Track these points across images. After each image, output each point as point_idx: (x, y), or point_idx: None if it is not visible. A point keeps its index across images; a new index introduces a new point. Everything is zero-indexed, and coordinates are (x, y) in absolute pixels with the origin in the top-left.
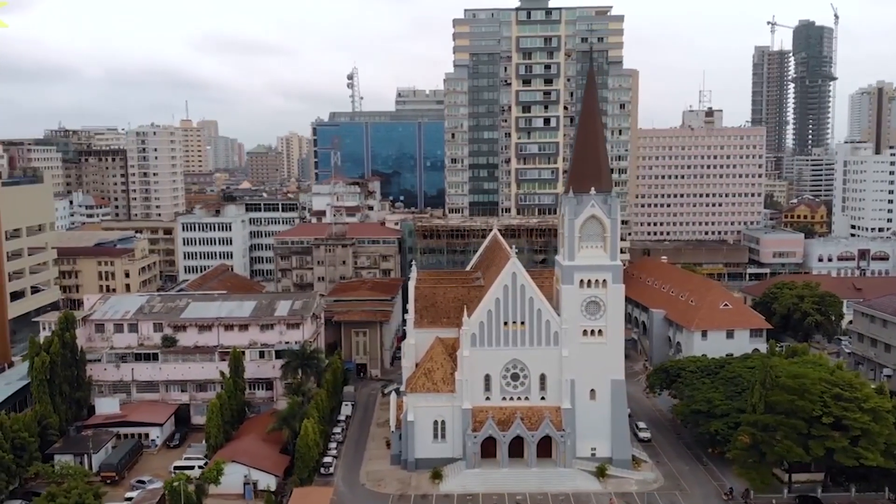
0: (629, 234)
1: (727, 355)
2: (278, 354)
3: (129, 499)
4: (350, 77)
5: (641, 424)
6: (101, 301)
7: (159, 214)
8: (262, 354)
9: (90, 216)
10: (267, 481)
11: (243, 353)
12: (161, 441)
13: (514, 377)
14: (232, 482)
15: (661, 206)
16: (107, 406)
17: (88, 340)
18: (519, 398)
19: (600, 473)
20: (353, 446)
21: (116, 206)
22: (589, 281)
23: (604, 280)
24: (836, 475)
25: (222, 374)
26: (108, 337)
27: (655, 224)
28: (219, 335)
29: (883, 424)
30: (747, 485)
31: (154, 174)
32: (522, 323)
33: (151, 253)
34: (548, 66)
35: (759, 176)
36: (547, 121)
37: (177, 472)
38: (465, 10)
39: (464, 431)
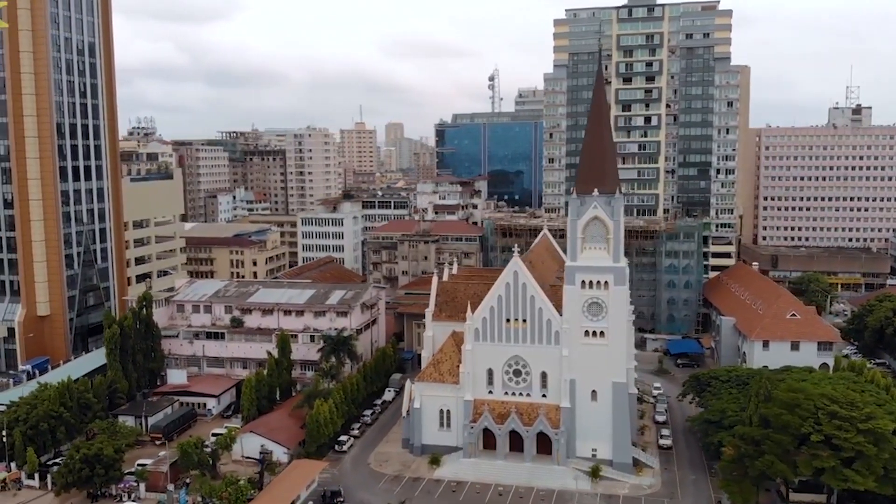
0: (738, 237)
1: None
2: (324, 339)
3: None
4: (491, 79)
5: (665, 432)
6: (186, 284)
7: (313, 210)
8: (312, 338)
9: (250, 210)
10: (280, 452)
11: (296, 336)
12: (217, 411)
13: (517, 373)
14: (251, 450)
15: (798, 209)
16: (176, 377)
17: (170, 318)
18: (520, 394)
19: (593, 474)
20: (378, 429)
21: (276, 202)
22: (591, 282)
23: (605, 281)
24: (846, 499)
25: (269, 353)
26: (188, 316)
27: (790, 229)
28: (279, 319)
29: (884, 448)
30: (730, 499)
31: (309, 172)
32: (524, 321)
33: (283, 244)
34: (649, 64)
35: None
36: (648, 119)
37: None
38: (566, 10)
39: (465, 422)
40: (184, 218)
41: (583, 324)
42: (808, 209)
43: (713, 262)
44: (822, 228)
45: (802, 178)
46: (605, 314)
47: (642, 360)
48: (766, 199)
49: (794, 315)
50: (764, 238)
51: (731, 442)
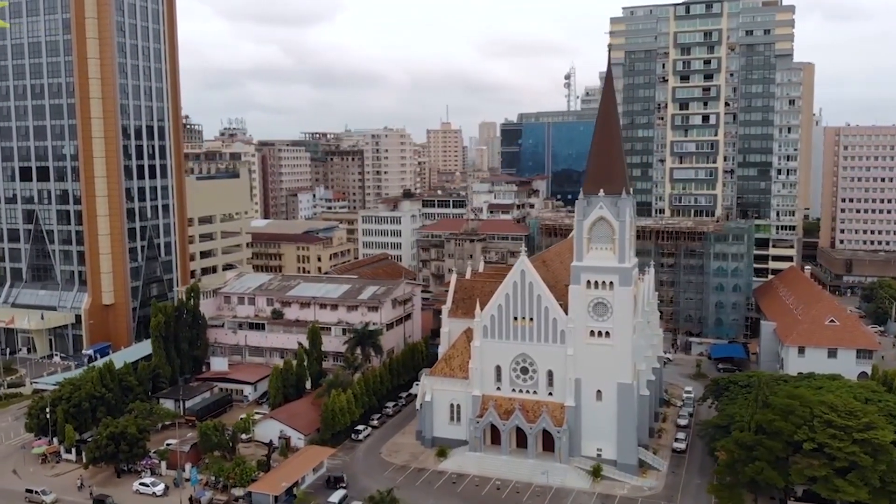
0: (798, 238)
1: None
2: (352, 332)
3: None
4: (567, 77)
5: (680, 435)
6: (235, 277)
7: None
8: (344, 331)
9: (329, 208)
10: (297, 437)
11: (329, 329)
12: (253, 398)
13: (524, 371)
14: (267, 435)
15: (878, 212)
16: (218, 364)
17: (218, 309)
18: (527, 391)
19: (595, 474)
20: (398, 421)
21: (354, 200)
22: (596, 282)
23: (611, 282)
24: None
25: (300, 344)
26: (233, 307)
27: (869, 232)
28: (315, 312)
29: (881, 459)
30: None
31: (385, 172)
32: (531, 319)
33: (350, 241)
34: (707, 62)
35: None
36: (706, 118)
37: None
38: (623, 8)
39: (471, 416)
40: (265, 215)
41: (588, 324)
42: (888, 212)
43: (773, 265)
44: None
45: (883, 180)
46: (610, 315)
47: (684, 363)
48: (844, 200)
49: (832, 321)
50: (841, 242)
51: (726, 447)
